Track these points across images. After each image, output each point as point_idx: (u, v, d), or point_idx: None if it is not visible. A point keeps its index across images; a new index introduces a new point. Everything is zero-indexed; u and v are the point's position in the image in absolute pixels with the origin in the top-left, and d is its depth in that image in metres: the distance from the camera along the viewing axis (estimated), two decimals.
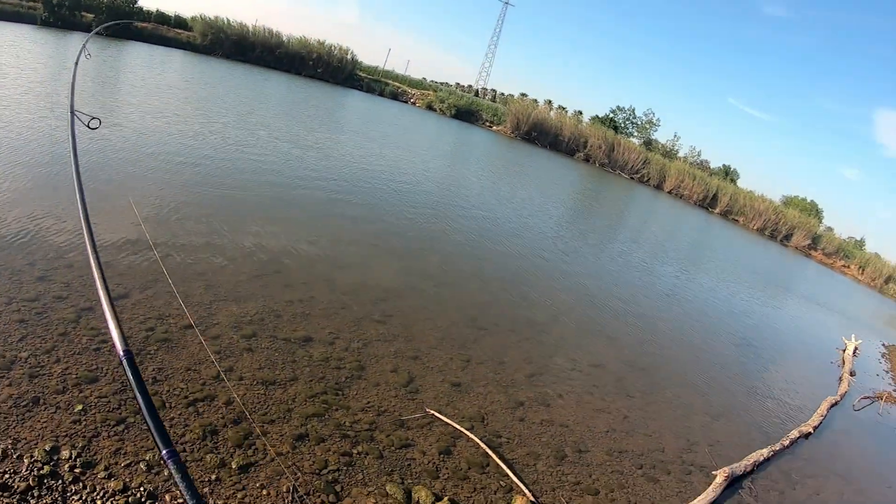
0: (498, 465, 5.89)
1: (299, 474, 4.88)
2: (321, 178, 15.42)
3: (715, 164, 71.81)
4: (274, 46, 49.63)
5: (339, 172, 16.89)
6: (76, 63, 5.16)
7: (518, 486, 5.67)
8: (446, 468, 5.61)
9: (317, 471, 4.99)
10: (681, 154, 69.72)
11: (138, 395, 1.45)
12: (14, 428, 4.54)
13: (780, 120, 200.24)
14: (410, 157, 25.01)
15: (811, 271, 40.83)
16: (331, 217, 12.42)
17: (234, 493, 4.49)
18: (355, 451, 5.39)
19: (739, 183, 65.46)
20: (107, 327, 1.91)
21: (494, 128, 56.53)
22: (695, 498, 6.46)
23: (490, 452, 6.00)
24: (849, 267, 49.62)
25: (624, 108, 68.41)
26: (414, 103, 57.01)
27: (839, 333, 19.30)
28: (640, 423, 7.97)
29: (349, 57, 54.00)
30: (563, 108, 68.12)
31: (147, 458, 4.57)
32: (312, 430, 5.50)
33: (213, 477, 4.58)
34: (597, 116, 66.92)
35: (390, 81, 58.29)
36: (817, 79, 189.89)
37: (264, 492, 4.58)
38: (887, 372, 16.59)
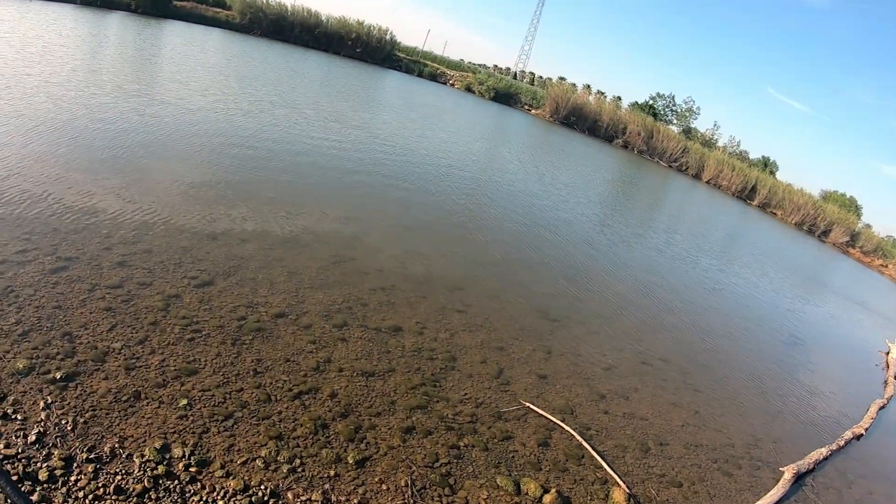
0: (593, 456, 6.02)
1: (414, 468, 5.00)
2: (372, 161, 15.60)
3: (753, 155, 70.83)
4: (313, 26, 49.48)
5: (386, 155, 17.02)
6: None
7: (613, 478, 5.79)
8: (546, 460, 5.75)
9: (430, 464, 5.11)
10: (720, 144, 68.90)
11: None
12: (118, 425, 4.51)
13: (818, 112, 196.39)
14: (454, 140, 25.09)
15: (849, 269, 40.25)
16: (388, 202, 12.54)
17: (354, 488, 4.59)
18: (462, 444, 5.53)
19: (779, 175, 64.62)
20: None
21: (533, 111, 56.23)
22: (767, 493, 6.58)
23: (586, 445, 6.13)
24: (887, 266, 48.78)
25: (664, 94, 67.65)
26: (452, 85, 56.82)
27: (879, 334, 19.17)
28: (710, 418, 8.08)
29: (388, 37, 53.79)
30: (602, 94, 67.65)
31: (263, 453, 4.62)
32: (418, 422, 5.62)
33: (332, 473, 4.66)
34: (636, 103, 66.13)
35: (429, 63, 58.06)
36: (857, 71, 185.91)
37: (383, 486, 4.70)
38: None
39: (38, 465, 3.99)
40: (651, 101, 66.78)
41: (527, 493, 5.16)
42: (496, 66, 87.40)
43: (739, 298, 16.02)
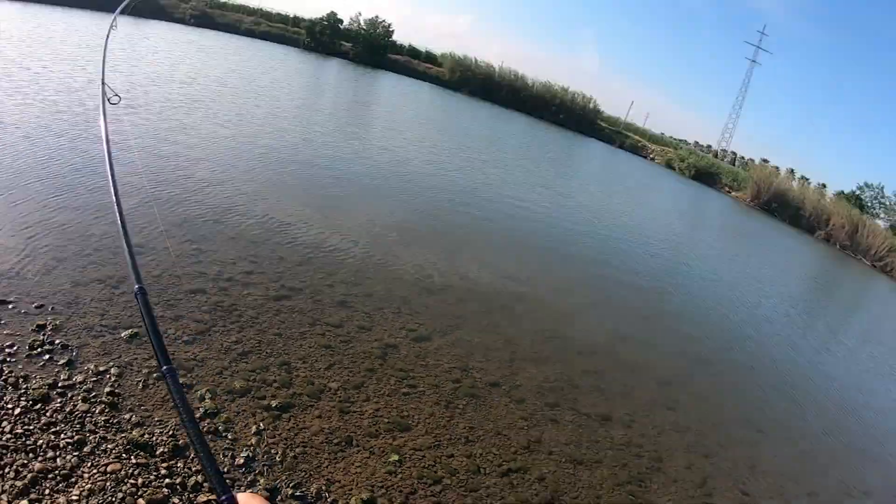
0: None
1: None
2: (576, 236, 16.00)
3: None
4: (519, 89, 51.40)
5: (593, 232, 17.37)
6: (107, 35, 4.61)
7: None
8: None
9: None
10: None
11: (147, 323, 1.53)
12: (327, 467, 4.64)
13: None
14: (657, 218, 24.96)
15: None
16: (606, 281, 12.83)
17: None
18: None
19: None
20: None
21: (733, 193, 54.04)
22: None
23: None
24: None
25: (872, 185, 62.30)
26: (653, 159, 56.11)
27: None
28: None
29: (591, 105, 54.54)
30: (806, 179, 63.46)
31: None
32: None
33: None
34: (842, 192, 61.45)
35: (630, 134, 57.89)
36: None
37: None
38: None
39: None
40: (858, 192, 61.73)
41: None
42: (696, 142, 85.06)
43: None
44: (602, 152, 46.07)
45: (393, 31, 46.26)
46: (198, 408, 4.80)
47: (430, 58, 48.68)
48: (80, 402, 4.52)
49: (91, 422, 4.38)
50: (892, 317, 30.09)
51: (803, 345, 15.11)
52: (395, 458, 5.06)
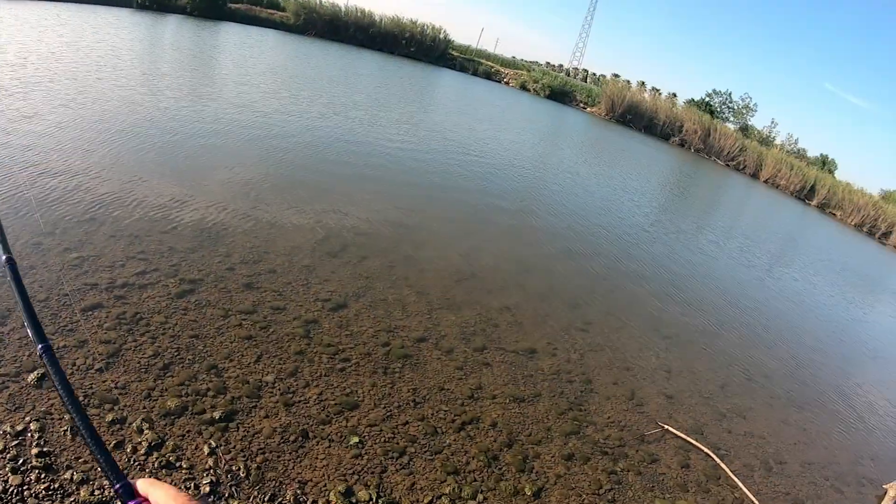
0: (728, 476, 6.40)
1: (583, 496, 5.40)
2: (453, 165, 16.15)
3: (811, 153, 69.57)
4: (367, 26, 50.31)
5: (468, 163, 17.57)
6: None
7: (750, 498, 6.18)
8: (691, 481, 6.15)
9: (596, 491, 5.49)
10: (777, 142, 67.84)
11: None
12: (293, 468, 4.48)
13: (880, 108, 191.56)
14: (520, 140, 25.68)
15: None
16: (487, 214, 13.10)
17: None
18: (618, 469, 5.91)
19: (837, 174, 63.39)
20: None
21: (588, 109, 56.20)
22: None
23: (723, 466, 6.51)
24: None
25: (720, 91, 66.77)
26: (507, 83, 57.09)
27: None
28: (816, 436, 8.37)
29: (442, 36, 54.43)
30: (657, 91, 66.98)
31: (447, 490, 4.80)
32: (576, 449, 5.99)
33: None
34: (692, 100, 65.48)
35: (483, 61, 58.43)
36: None
37: None
38: None
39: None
40: (707, 99, 66.02)
41: None
42: (548, 62, 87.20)
43: (822, 311, 16.14)
44: (457, 81, 46.27)
45: None
46: (139, 442, 4.36)
47: (273, 3, 46.53)
48: (10, 475, 3.84)
49: (32, 495, 3.77)
50: (747, 211, 32.74)
51: (680, 248, 16.22)
52: (355, 439, 4.99)
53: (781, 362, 10.68)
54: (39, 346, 1.31)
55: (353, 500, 4.39)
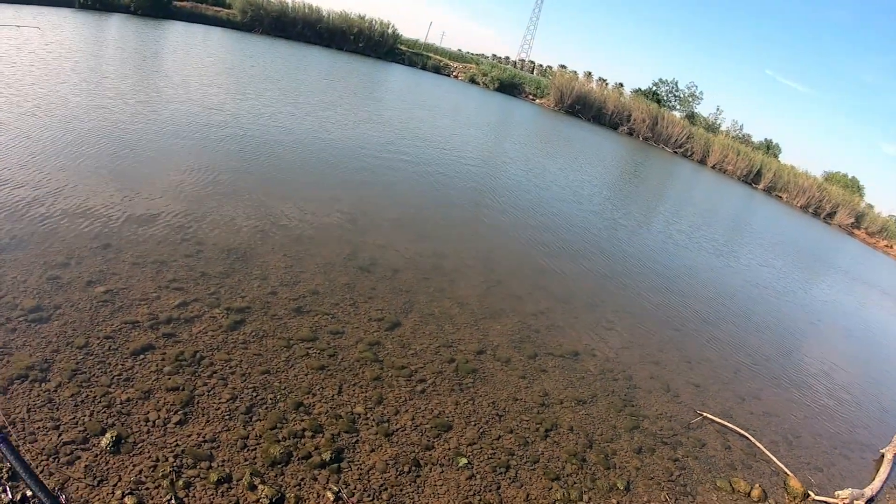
0: (763, 453, 7.45)
1: (662, 483, 6.24)
2: (425, 164, 16.66)
3: (756, 138, 72.54)
4: (314, 22, 50.15)
5: (430, 156, 18.10)
6: None
7: (783, 469, 7.21)
8: (736, 461, 7.14)
9: (669, 478, 6.35)
10: (723, 128, 70.50)
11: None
12: (419, 499, 4.76)
13: (818, 93, 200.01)
14: (475, 134, 26.43)
15: (856, 251, 41.97)
16: (477, 221, 13.74)
17: None
18: (679, 456, 6.81)
19: (781, 157, 66.39)
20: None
21: (537, 101, 57.44)
22: (878, 472, 8.06)
23: (758, 445, 7.55)
24: (892, 247, 50.70)
25: (666, 80, 69.00)
26: (456, 76, 57.85)
27: None
28: (818, 410, 9.63)
29: (390, 31, 54.67)
30: (604, 81, 68.85)
31: (558, 496, 5.37)
32: (641, 442, 6.82)
33: (615, 501, 5.66)
34: (639, 89, 67.50)
35: (431, 55, 59.00)
36: (857, 52, 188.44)
37: (645, 500, 5.91)
38: None
39: None
40: (654, 88, 68.17)
41: (740, 491, 6.55)
42: (495, 55, 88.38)
43: (790, 294, 17.61)
44: (407, 76, 46.53)
45: None
46: (257, 501, 4.25)
47: (219, 0, 45.98)
48: None
49: None
50: (693, 196, 34.33)
51: (653, 242, 17.46)
52: (464, 461, 5.30)
53: (774, 346, 11.92)
54: None
55: None
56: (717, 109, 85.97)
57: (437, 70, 57.25)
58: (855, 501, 6.96)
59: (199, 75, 20.11)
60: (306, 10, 49.79)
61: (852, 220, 51.39)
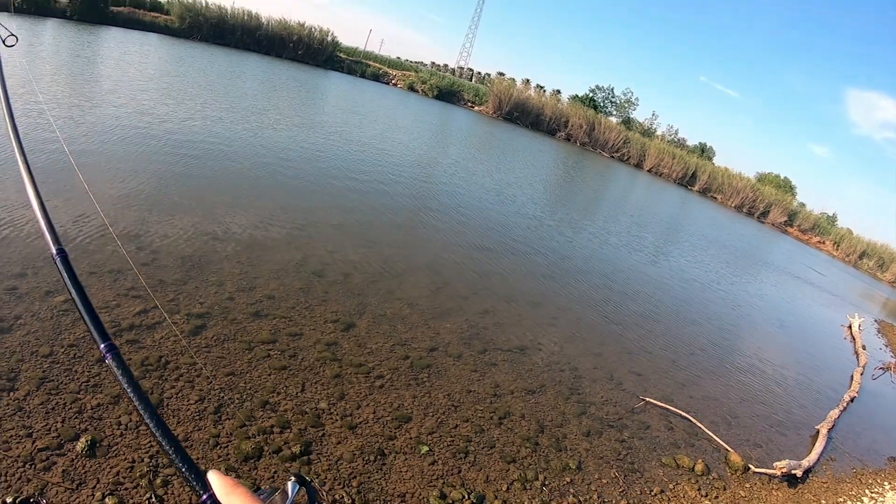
0: (703, 432, 8.05)
1: (611, 462, 6.74)
2: (366, 177, 16.98)
3: (691, 142, 74.99)
4: (253, 29, 49.86)
5: (373, 170, 18.48)
6: None
7: (724, 446, 7.82)
8: (679, 440, 7.69)
9: (617, 457, 6.83)
10: (659, 132, 72.68)
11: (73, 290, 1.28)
12: (387, 485, 5.10)
13: (750, 98, 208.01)
14: (414, 143, 26.95)
15: (790, 248, 43.97)
16: (419, 226, 14.12)
17: (587, 486, 6.25)
18: (625, 438, 7.32)
19: (715, 160, 68.86)
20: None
21: (476, 108, 58.28)
22: (814, 446, 8.84)
23: (699, 424, 8.14)
24: (824, 243, 53.28)
25: (603, 87, 70.79)
26: (395, 84, 58.20)
27: (830, 310, 23.19)
28: (754, 393, 10.47)
29: (329, 38, 54.70)
30: (542, 87, 70.05)
31: (516, 476, 5.98)
32: (589, 426, 7.30)
33: (568, 479, 6.22)
34: (576, 96, 69.07)
35: (371, 62, 59.27)
36: (787, 57, 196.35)
37: (602, 480, 6.38)
38: (887, 346, 19.39)
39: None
40: (591, 94, 69.81)
41: (684, 466, 7.08)
42: (433, 62, 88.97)
43: (725, 289, 18.55)
44: (346, 84, 46.50)
45: None
46: None
47: (156, 5, 45.15)
48: None
49: None
50: (630, 199, 35.47)
51: (595, 244, 18.20)
52: (425, 448, 5.72)
53: (709, 337, 12.72)
54: (102, 345, 1.26)
55: (451, 501, 5.16)
56: (653, 114, 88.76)
57: (377, 78, 57.50)
58: (793, 471, 7.56)
59: (129, 81, 19.68)
60: (245, 17, 49.42)
61: (785, 218, 53.77)
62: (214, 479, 1.07)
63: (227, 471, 4.59)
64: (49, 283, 6.46)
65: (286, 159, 15.33)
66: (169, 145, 13.09)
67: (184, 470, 1.10)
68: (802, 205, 60.54)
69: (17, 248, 7.05)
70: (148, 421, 1.15)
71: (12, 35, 2.87)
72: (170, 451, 1.12)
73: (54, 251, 1.45)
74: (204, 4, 46.32)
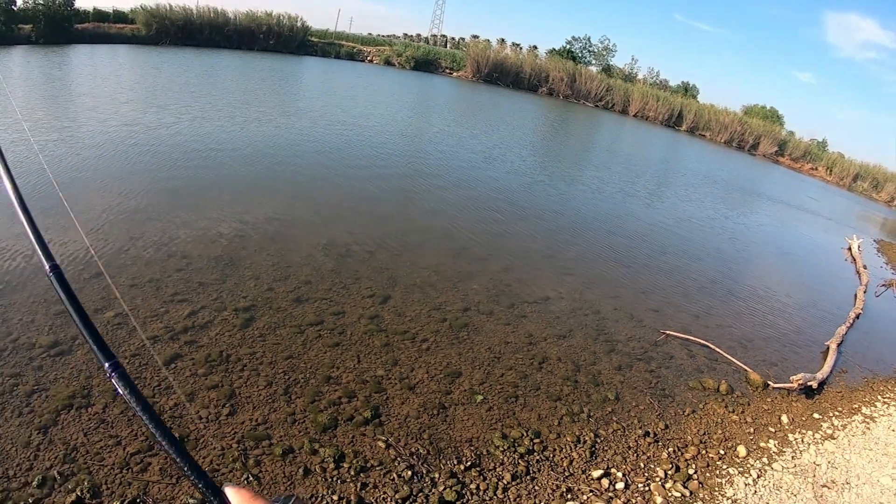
0: (722, 355, 8.76)
1: (645, 391, 7.46)
2: (351, 158, 17.48)
3: (673, 82, 75.02)
4: (221, 25, 49.22)
5: (361, 152, 19.01)
6: None
7: (743, 367, 8.53)
8: (700, 364, 8.43)
9: (648, 386, 7.54)
10: (640, 77, 72.70)
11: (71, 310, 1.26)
12: (454, 433, 5.78)
13: (727, 31, 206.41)
14: (399, 115, 27.28)
15: (783, 177, 44.62)
16: (426, 198, 14.66)
17: (617, 417, 6.95)
18: (653, 368, 8.04)
19: (699, 98, 69.03)
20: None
21: (455, 74, 58.24)
22: (826, 360, 9.57)
23: (718, 349, 8.84)
24: (816, 169, 53.97)
25: (579, 37, 70.42)
26: (371, 61, 57.96)
27: (829, 234, 23.87)
28: (763, 317, 11.21)
29: (299, 24, 54.24)
30: (518, 45, 69.89)
31: (563, 411, 6.84)
32: (620, 361, 8.01)
33: (609, 410, 7.00)
34: (554, 49, 68.81)
35: (344, 42, 59.02)
36: None
37: (635, 411, 7.15)
38: (887, 264, 20.11)
39: (431, 492, 4.89)
40: (568, 46, 69.55)
41: (709, 388, 7.82)
42: (406, 34, 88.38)
43: (725, 224, 19.29)
44: (322, 67, 46.49)
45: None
46: (323, 461, 5.02)
47: (120, 16, 44.62)
48: None
49: None
50: (620, 145, 35.91)
51: (600, 193, 18.85)
52: (480, 397, 6.36)
53: (717, 270, 13.51)
54: (107, 364, 1.23)
55: (512, 440, 5.75)
56: (633, 59, 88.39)
57: (352, 57, 57.20)
58: (809, 383, 8.28)
59: (108, 95, 19.19)
60: (211, 15, 48.85)
61: (775, 148, 54.29)
62: (232, 493, 1.07)
63: (311, 442, 5.18)
64: (95, 302, 6.75)
65: (280, 150, 15.68)
66: (165, 152, 13.25)
67: (201, 486, 1.08)
68: (791, 133, 60.85)
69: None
70: (160, 439, 1.14)
71: None
72: (185, 468, 1.10)
73: (48, 267, 1.40)
74: (168, 7, 45.87)
